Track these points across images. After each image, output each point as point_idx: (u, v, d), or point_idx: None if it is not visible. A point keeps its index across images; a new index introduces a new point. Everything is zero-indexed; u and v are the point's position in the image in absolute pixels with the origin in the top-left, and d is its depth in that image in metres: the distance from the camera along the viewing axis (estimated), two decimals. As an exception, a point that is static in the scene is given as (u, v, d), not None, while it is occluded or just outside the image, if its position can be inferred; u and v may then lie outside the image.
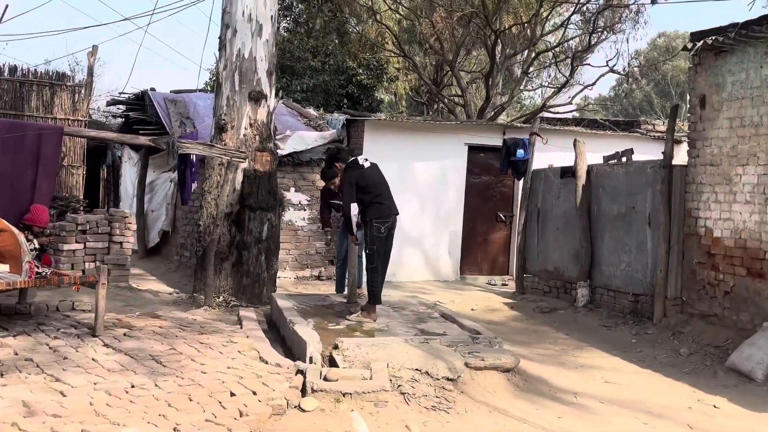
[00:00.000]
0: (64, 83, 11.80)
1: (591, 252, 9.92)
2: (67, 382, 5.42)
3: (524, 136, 11.93)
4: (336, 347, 6.47)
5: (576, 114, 27.68)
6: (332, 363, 6.30)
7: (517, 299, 11.12)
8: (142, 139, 8.23)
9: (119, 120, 15.18)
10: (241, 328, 7.67)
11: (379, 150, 11.89)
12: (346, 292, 8.93)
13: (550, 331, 9.07)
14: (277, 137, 12.29)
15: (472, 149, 13.07)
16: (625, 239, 9.38)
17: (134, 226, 10.29)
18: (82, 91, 11.94)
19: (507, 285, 12.55)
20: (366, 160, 7.90)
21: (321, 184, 9.92)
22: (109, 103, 15.26)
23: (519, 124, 14.19)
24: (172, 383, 5.53)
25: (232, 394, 5.32)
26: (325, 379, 5.57)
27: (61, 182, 11.74)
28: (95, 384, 5.43)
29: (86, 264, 9.90)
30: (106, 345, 6.59)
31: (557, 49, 24.95)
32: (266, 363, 6.24)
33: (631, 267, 9.24)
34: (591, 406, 6.09)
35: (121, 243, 10.11)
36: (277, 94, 9.93)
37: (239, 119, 9.66)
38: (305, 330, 6.87)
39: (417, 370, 6.10)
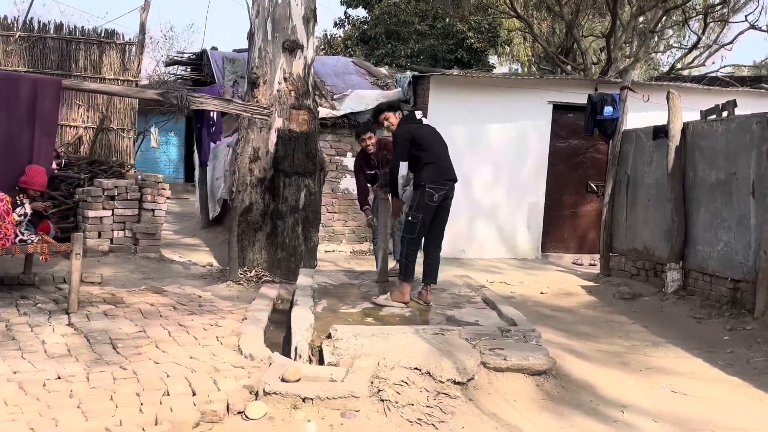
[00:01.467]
0: (113, 41, 11.24)
1: (684, 228, 8.32)
2: (-16, 370, 4.68)
3: (617, 92, 10.32)
4: (329, 336, 5.44)
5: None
6: (321, 356, 5.29)
7: (599, 282, 9.65)
8: (150, 93, 7.45)
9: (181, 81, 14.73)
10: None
11: (446, 111, 10.74)
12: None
13: (625, 323, 7.63)
14: (335, 97, 11.35)
15: (558, 109, 11.54)
16: (724, 213, 7.73)
17: (168, 192, 9.60)
18: (133, 50, 11.35)
19: (595, 265, 11.03)
20: (423, 117, 6.87)
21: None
22: (167, 64, 14.74)
23: (614, 79, 12.47)
24: (108, 375, 4.68)
25: (167, 393, 4.39)
26: (283, 379, 4.53)
27: (111, 145, 11.24)
28: (15, 373, 4.66)
29: (114, 233, 9.32)
30: (71, 324, 5.85)
31: (689, 4, 22.51)
32: (241, 353, 5.30)
33: (730, 247, 7.60)
34: (638, 425, 4.74)
35: (153, 210, 9.45)
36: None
37: (272, 73, 8.72)
38: (301, 313, 5.89)
39: (416, 369, 4.96)
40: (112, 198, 9.24)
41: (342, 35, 22.92)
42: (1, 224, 6.44)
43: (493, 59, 24.56)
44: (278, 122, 8.75)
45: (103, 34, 11.34)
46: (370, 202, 8.08)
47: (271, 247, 8.85)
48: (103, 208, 9.19)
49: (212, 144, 10.06)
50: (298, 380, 4.52)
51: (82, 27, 11.31)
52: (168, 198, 9.78)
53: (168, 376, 4.68)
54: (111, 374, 4.70)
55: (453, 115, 10.81)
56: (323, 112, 10.56)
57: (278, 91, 8.74)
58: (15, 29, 10.93)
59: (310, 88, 8.97)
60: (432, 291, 6.78)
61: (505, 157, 11.48)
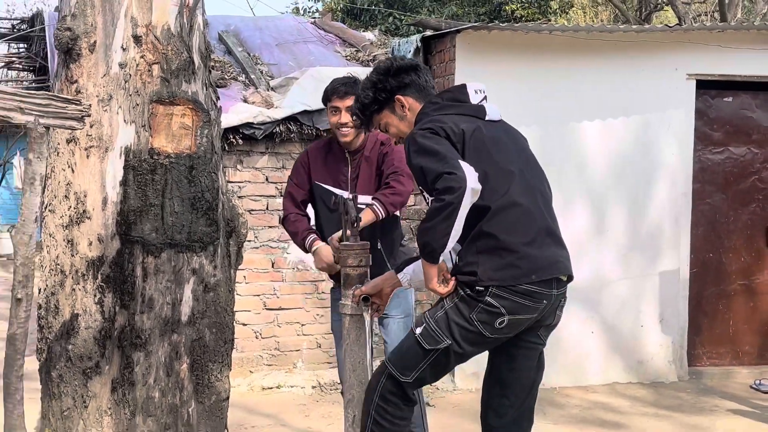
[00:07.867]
0: None
1: None
2: None
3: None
4: None
5: None
6: None
7: None
8: None
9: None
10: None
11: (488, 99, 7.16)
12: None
13: None
14: (273, 83, 7.78)
15: (707, 87, 7.95)
16: None
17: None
18: None
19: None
20: (484, 96, 4.16)
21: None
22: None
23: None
24: None
25: None
26: None
27: None
28: None
29: None
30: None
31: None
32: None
33: None
34: None
35: None
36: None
37: (108, 25, 4.74)
38: None
39: None
40: None
41: (320, 9, 19.93)
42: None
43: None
44: (126, 134, 4.72)
45: None
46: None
47: (123, 409, 4.80)
48: None
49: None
50: None
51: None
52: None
53: None
54: None
55: (502, 105, 7.17)
56: (251, 111, 6.89)
57: (122, 65, 4.74)
58: None
59: (196, 57, 4.97)
60: None
61: (609, 184, 7.76)
